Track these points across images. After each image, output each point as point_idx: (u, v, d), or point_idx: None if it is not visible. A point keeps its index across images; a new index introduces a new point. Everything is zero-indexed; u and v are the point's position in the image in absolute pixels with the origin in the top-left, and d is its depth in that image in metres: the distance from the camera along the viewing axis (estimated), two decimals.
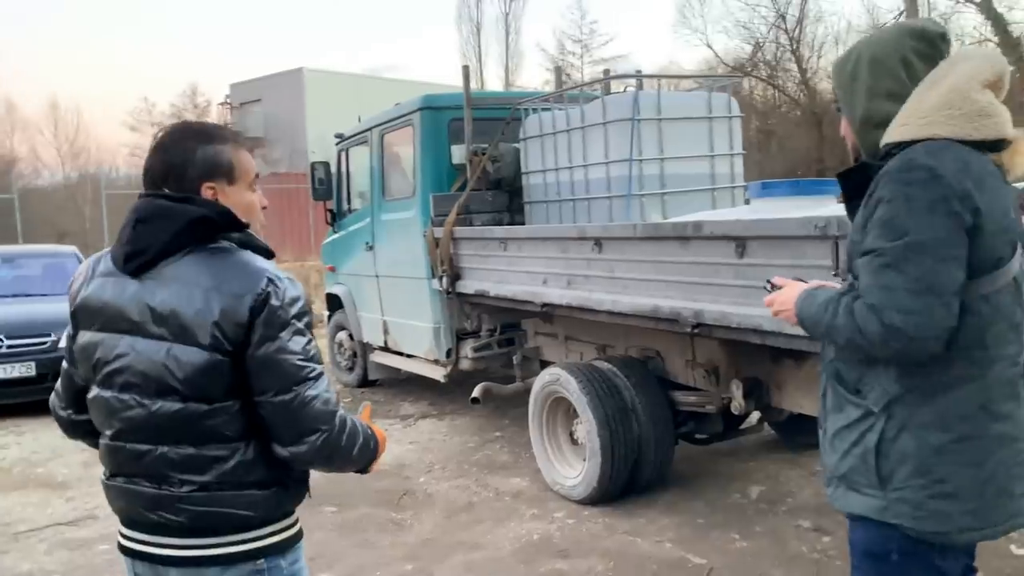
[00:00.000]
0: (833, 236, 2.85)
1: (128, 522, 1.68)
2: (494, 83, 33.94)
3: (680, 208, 4.85)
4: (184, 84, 66.60)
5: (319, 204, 7.76)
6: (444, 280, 5.48)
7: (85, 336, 1.66)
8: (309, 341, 1.61)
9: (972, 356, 1.59)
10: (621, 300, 4.00)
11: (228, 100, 38.33)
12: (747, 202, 4.89)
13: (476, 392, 5.52)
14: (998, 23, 19.54)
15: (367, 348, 7.21)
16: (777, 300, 1.88)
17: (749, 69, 23.59)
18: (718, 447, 5.00)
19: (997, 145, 1.62)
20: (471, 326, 5.77)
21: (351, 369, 7.59)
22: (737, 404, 4.01)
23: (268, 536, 1.65)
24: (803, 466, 4.85)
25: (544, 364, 5.60)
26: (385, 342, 6.76)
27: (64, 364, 1.76)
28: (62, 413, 1.79)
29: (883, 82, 1.69)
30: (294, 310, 1.58)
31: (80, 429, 1.78)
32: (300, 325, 1.59)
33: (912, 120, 1.61)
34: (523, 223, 5.78)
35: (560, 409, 4.69)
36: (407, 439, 5.95)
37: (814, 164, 21.70)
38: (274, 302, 1.55)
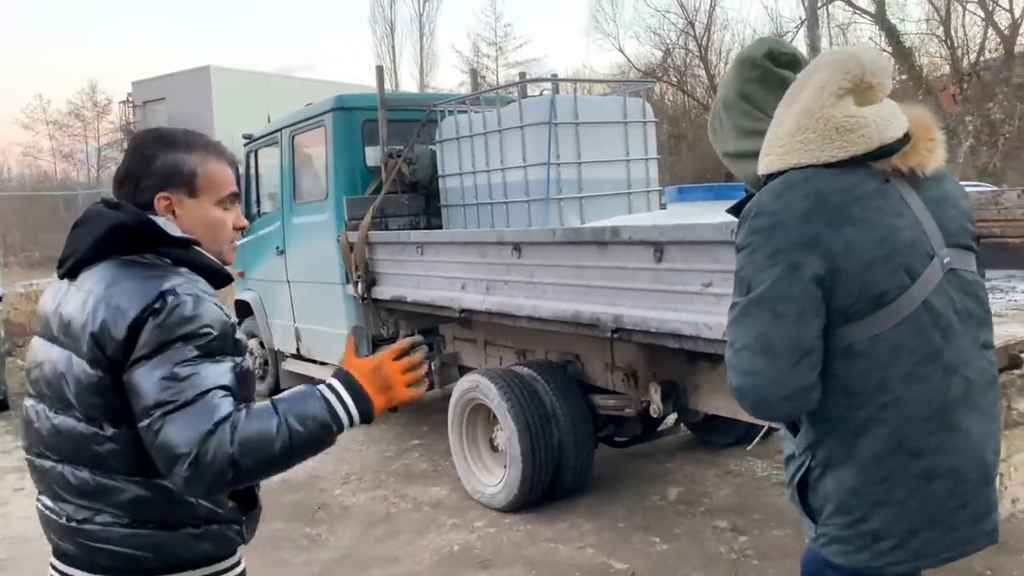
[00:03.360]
0: None
1: (52, 548, 1.57)
2: (408, 84, 33.64)
3: (597, 212, 4.86)
4: (83, 81, 63.73)
5: None
6: (359, 285, 5.34)
7: (32, 341, 1.61)
8: (193, 365, 1.36)
9: (876, 400, 1.46)
10: (541, 305, 3.96)
11: (130, 98, 36.80)
12: (663, 206, 4.94)
13: None
14: (891, 33, 20.55)
15: (279, 356, 6.97)
16: None
17: (660, 74, 24.11)
18: (637, 449, 5.03)
19: (883, 152, 1.47)
20: (387, 332, 5.64)
21: (262, 378, 7.32)
22: (655, 407, 4.03)
23: None
24: (719, 465, 4.93)
25: (463, 370, 5.53)
26: (298, 349, 6.55)
27: None
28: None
29: (738, 121, 1.67)
30: (181, 330, 1.37)
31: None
32: (186, 348, 1.37)
33: (773, 149, 1.52)
34: (440, 226, 5.69)
35: (480, 416, 4.63)
36: None
37: (722, 168, 22.28)
38: (156, 319, 1.37)
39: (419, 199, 5.83)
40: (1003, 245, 4.01)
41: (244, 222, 1.68)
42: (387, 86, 5.66)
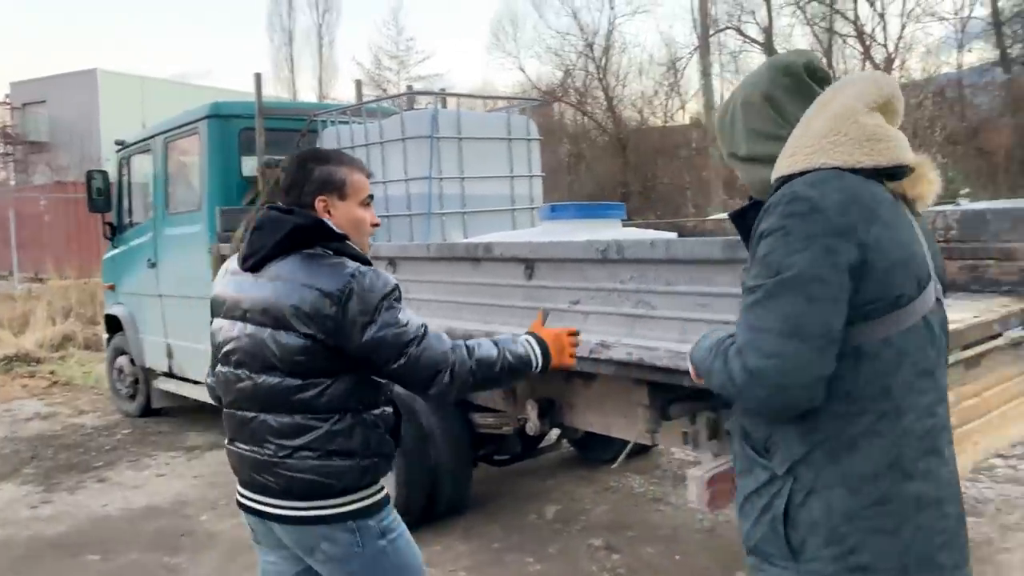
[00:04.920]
0: (612, 259, 2.88)
1: (241, 481, 2.02)
2: (308, 94, 32.89)
3: (481, 228, 4.83)
4: None
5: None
6: None
7: (215, 323, 2.05)
8: (400, 311, 1.89)
9: (877, 408, 1.41)
10: (416, 323, 3.86)
11: (8, 99, 34.70)
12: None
13: None
14: None
15: (150, 374, 6.61)
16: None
17: (560, 94, 24.48)
18: (519, 467, 4.98)
19: (897, 173, 1.49)
20: None
21: (133, 397, 6.93)
22: (531, 424, 3.98)
23: (354, 502, 1.95)
24: (598, 482, 4.94)
25: None
26: (170, 367, 6.23)
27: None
28: (207, 381, 2.19)
29: (756, 123, 1.60)
30: (380, 292, 1.86)
31: (216, 395, 2.13)
32: (388, 303, 1.87)
33: (799, 150, 1.49)
34: None
35: None
36: (191, 473, 5.47)
37: (619, 187, 22.82)
38: (359, 291, 1.84)
39: None
40: None
41: (377, 220, 2.12)
42: (286, 96, 5.56)
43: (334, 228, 1.94)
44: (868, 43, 20.44)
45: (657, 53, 25.80)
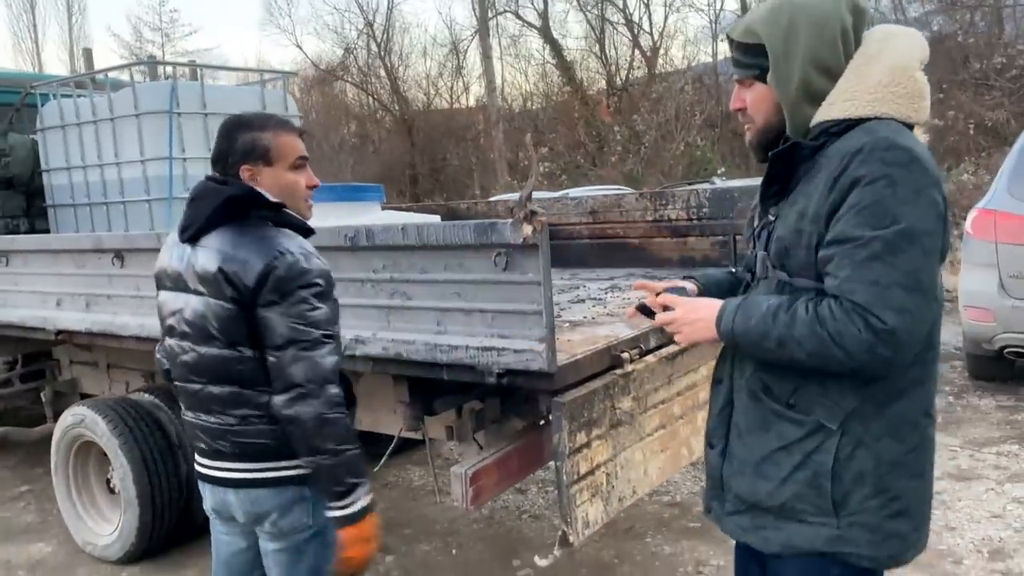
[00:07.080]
0: (363, 247, 2.65)
1: (199, 450, 1.99)
2: (57, 67, 29.41)
3: None
4: None
5: None
6: None
7: (160, 295, 2.02)
8: (313, 309, 1.81)
9: (925, 356, 1.46)
10: (150, 323, 3.40)
11: None
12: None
13: None
14: (555, 47, 22.20)
15: None
16: (677, 320, 1.60)
17: (341, 73, 23.69)
18: None
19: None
20: None
21: None
22: None
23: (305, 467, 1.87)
24: (378, 478, 4.69)
25: (86, 397, 4.72)
26: None
27: None
28: (157, 355, 2.17)
29: (823, 53, 1.47)
30: (300, 281, 1.80)
31: (167, 371, 2.11)
32: (305, 294, 1.80)
33: (860, 96, 1.43)
34: (47, 230, 4.81)
35: (92, 454, 3.93)
36: None
37: (407, 169, 22.56)
38: (279, 273, 1.78)
39: (17, 198, 4.88)
40: (624, 245, 4.25)
41: (315, 180, 2.01)
42: (29, 69, 4.68)
43: (268, 197, 1.88)
44: (636, 31, 21.55)
45: (440, 35, 25.62)
